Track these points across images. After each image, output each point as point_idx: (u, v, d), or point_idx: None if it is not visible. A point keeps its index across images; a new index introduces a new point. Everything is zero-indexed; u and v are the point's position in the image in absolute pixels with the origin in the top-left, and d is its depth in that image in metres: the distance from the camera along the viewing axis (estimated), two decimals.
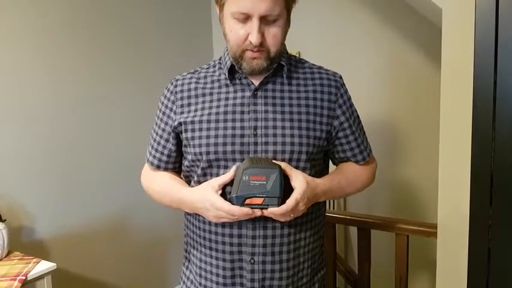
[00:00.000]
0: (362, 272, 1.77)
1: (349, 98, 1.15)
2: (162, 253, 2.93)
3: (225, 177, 1.00)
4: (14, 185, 2.00)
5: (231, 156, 1.03)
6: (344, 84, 1.14)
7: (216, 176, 1.04)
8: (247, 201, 0.93)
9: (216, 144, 1.03)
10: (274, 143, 1.02)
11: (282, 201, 0.94)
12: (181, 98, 1.11)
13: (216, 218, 1.00)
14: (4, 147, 1.95)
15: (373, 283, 1.82)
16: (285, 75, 1.08)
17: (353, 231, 2.74)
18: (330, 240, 1.81)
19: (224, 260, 1.06)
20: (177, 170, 1.21)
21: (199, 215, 1.09)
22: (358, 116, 1.19)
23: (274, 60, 1.04)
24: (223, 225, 1.05)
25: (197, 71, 1.17)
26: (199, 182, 1.08)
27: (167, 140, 1.15)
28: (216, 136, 1.03)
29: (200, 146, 1.05)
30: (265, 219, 1.02)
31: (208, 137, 1.04)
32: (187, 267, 1.19)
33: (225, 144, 1.03)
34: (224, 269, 1.07)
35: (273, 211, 0.95)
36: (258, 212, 0.95)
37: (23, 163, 2.03)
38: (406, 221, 1.70)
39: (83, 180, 2.33)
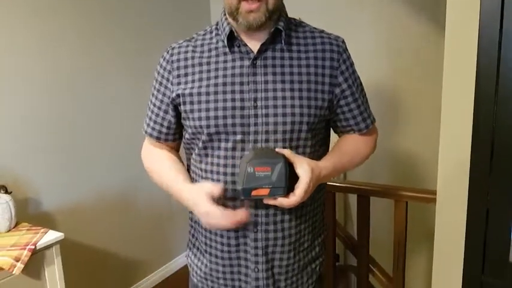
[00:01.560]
0: (361, 237, 1.81)
1: (352, 64, 1.11)
2: (168, 223, 2.99)
3: (217, 188, 0.99)
4: (18, 158, 2.01)
5: (232, 130, 1.01)
6: (347, 49, 1.10)
7: (217, 150, 1.04)
8: (254, 192, 0.93)
9: (216, 118, 1.01)
10: (275, 115, 1.01)
11: (288, 190, 0.95)
12: (178, 68, 1.08)
13: (207, 224, 1.01)
14: (8, 120, 1.96)
15: (372, 249, 1.87)
16: (283, 41, 1.03)
17: (352, 200, 2.79)
18: (330, 209, 1.84)
19: (228, 230, 1.07)
20: (177, 140, 1.19)
21: None
22: (361, 82, 1.15)
23: (273, 15, 0.99)
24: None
25: (193, 38, 1.12)
26: (199, 156, 1.08)
27: (166, 112, 1.12)
28: (216, 109, 1.01)
29: (200, 119, 1.03)
30: (266, 206, 1.04)
31: (207, 110, 1.02)
32: (193, 235, 1.22)
33: (225, 117, 1.01)
34: (229, 238, 1.08)
35: (282, 202, 0.95)
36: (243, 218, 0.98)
37: (26, 136, 2.04)
38: (406, 188, 1.74)
39: (87, 152, 2.35)
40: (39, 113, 2.09)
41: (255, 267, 1.08)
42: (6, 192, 1.79)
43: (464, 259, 1.41)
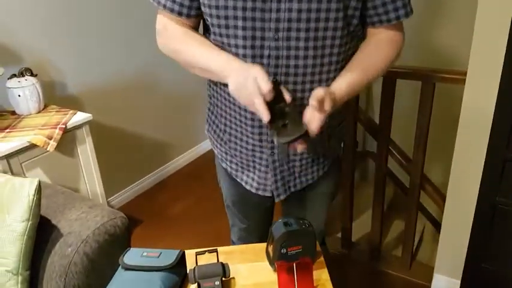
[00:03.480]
0: (383, 118, 1.81)
1: None
2: (194, 108, 3.04)
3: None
4: (42, 41, 2.00)
5: (251, 15, 0.91)
6: None
7: (234, 39, 0.95)
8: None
9: (235, 8, 0.91)
10: (299, 0, 0.89)
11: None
12: None
13: (248, 97, 0.90)
14: (32, 4, 1.89)
15: (392, 134, 1.88)
16: None
17: (376, 85, 2.75)
18: None
19: (246, 117, 1.04)
20: (200, 17, 1.04)
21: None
22: None
23: None
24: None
25: None
26: (215, 41, 1.00)
27: None
28: None
29: (217, 8, 0.93)
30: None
31: None
32: (212, 112, 1.20)
33: (244, 9, 0.90)
34: (246, 131, 1.07)
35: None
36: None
37: (50, 20, 1.99)
38: (434, 69, 1.68)
39: (112, 35, 2.31)
40: None
41: (271, 152, 1.09)
42: (32, 74, 1.81)
43: (490, 137, 1.41)
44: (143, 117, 2.67)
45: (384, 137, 1.85)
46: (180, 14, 1.01)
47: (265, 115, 0.86)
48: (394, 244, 2.34)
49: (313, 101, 0.88)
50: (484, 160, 1.46)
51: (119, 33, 2.37)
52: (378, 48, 1.04)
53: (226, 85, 1.01)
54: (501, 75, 1.33)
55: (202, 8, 0.99)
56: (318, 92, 0.89)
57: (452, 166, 1.62)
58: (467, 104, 1.48)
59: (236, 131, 1.11)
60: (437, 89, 1.66)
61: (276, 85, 0.89)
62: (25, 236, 1.14)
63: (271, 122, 0.88)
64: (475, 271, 1.64)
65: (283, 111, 0.91)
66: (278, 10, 0.91)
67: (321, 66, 0.98)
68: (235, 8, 0.92)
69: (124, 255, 0.95)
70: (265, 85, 0.86)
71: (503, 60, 1.31)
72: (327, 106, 0.90)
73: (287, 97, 0.91)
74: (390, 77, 1.73)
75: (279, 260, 0.96)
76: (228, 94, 1.04)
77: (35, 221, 1.15)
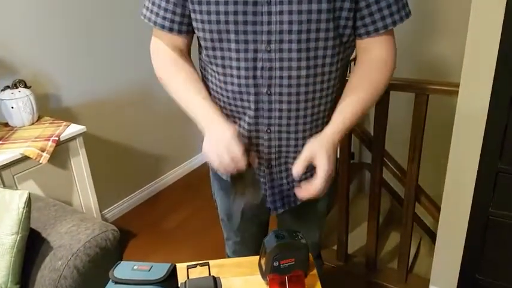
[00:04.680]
0: (378, 129, 1.81)
1: None
2: (189, 120, 3.03)
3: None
4: (37, 54, 2.00)
5: (243, 28, 0.93)
6: None
7: (228, 52, 0.96)
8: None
9: (226, 13, 0.92)
10: (290, 12, 0.90)
11: None
12: None
13: (218, 161, 0.95)
14: (27, 16, 1.90)
15: (387, 145, 1.88)
16: None
17: None
18: None
19: (243, 128, 1.05)
20: (191, 33, 1.05)
21: (218, 86, 1.05)
22: None
23: None
24: (242, 106, 1.02)
25: None
26: (207, 56, 1.01)
27: None
28: (226, 3, 0.91)
29: (209, 13, 0.94)
30: (280, 109, 1.00)
31: (217, 3, 0.92)
32: None
33: (236, 13, 0.91)
34: (243, 136, 1.05)
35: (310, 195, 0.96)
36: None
37: (45, 32, 2.00)
38: (428, 80, 1.69)
39: (107, 48, 2.32)
40: (56, 10, 2.02)
41: (268, 165, 1.09)
42: (26, 86, 1.81)
43: (482, 148, 1.41)
44: (137, 130, 2.66)
45: (378, 148, 1.85)
46: (171, 30, 1.02)
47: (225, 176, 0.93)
48: (390, 256, 2.33)
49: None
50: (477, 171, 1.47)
51: (114, 46, 2.38)
52: (370, 79, 1.02)
53: (225, 100, 1.03)
54: (492, 87, 1.34)
55: (195, 24, 0.99)
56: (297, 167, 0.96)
57: (446, 178, 1.61)
58: (460, 115, 1.49)
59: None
60: (433, 100, 1.66)
61: (247, 151, 0.97)
62: (14, 250, 1.12)
63: (232, 184, 0.97)
64: (470, 282, 1.63)
65: (247, 175, 0.99)
66: (269, 22, 0.92)
67: (314, 77, 0.98)
68: (227, 23, 0.93)
69: (114, 269, 0.94)
70: (238, 152, 0.93)
71: (494, 72, 1.32)
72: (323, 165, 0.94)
73: (255, 162, 0.98)
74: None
75: (271, 273, 0.95)
76: (229, 107, 1.05)
77: (24, 234, 1.14)
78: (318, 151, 0.95)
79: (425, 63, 2.63)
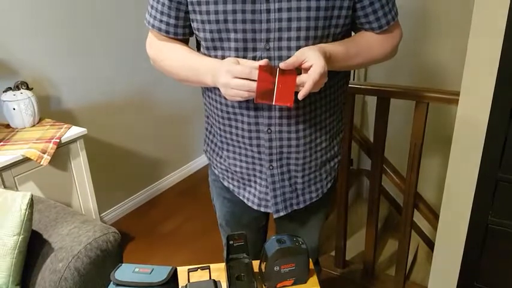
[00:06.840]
0: (377, 137, 1.82)
1: None
2: (188, 125, 3.05)
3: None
4: (38, 56, 2.00)
5: (242, 27, 0.94)
6: None
7: (228, 51, 0.98)
8: (278, 285, 0.99)
9: (224, 12, 0.93)
10: (289, 9, 0.92)
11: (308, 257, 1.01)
12: None
13: (228, 86, 0.92)
14: (28, 20, 1.91)
15: (386, 153, 1.89)
16: None
17: (370, 104, 2.77)
18: (348, 110, 1.83)
19: (243, 129, 1.06)
20: (187, 36, 1.08)
21: (216, 92, 1.06)
22: None
23: None
24: (240, 106, 1.03)
25: None
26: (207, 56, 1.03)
27: None
28: (225, 2, 0.93)
29: (208, 13, 0.95)
30: (280, 109, 1.01)
31: (216, 2, 0.94)
32: (210, 132, 1.21)
33: (234, 11, 0.93)
34: (243, 137, 1.07)
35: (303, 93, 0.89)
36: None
37: (46, 35, 2.00)
38: (428, 88, 1.70)
39: (108, 52, 2.33)
40: (59, 12, 2.03)
41: (270, 166, 1.10)
42: (28, 88, 1.81)
43: (482, 157, 1.42)
44: (137, 133, 2.67)
45: (378, 155, 1.86)
46: (167, 32, 1.06)
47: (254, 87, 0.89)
48: (388, 263, 2.33)
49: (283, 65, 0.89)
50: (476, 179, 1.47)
51: (115, 49, 2.39)
52: (367, 39, 1.05)
53: (222, 102, 1.03)
54: (493, 95, 1.35)
55: (194, 25, 1.01)
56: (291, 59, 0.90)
57: (445, 185, 1.62)
58: (460, 123, 1.50)
59: (234, 146, 1.11)
60: (433, 108, 1.68)
61: (243, 236, 1.01)
62: (16, 251, 1.12)
63: (227, 269, 0.98)
64: None
65: (243, 262, 1.01)
66: (268, 20, 0.94)
67: None
68: (226, 22, 0.95)
69: (115, 271, 0.94)
70: (247, 63, 0.91)
71: (494, 80, 1.33)
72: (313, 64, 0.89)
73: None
74: (384, 96, 1.75)
75: (275, 280, 0.97)
76: (226, 109, 1.06)
77: (26, 235, 1.14)
78: (309, 50, 0.91)
79: (425, 71, 2.65)
